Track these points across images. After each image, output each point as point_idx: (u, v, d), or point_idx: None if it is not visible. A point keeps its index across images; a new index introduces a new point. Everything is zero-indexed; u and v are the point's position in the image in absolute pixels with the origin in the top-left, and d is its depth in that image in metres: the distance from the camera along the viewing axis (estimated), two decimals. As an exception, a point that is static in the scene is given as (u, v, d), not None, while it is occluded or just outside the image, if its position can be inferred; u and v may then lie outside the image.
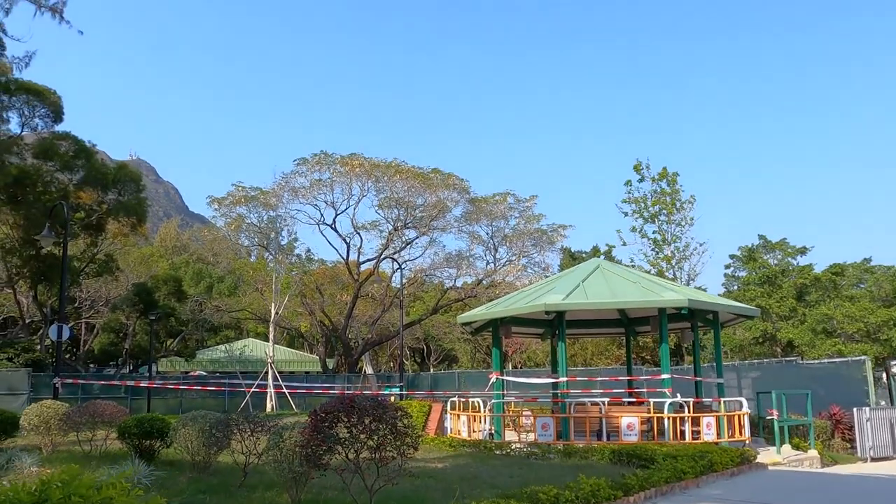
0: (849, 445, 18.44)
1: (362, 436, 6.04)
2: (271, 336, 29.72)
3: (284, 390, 25.13)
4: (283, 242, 36.12)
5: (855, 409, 17.32)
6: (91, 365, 41.44)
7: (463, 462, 11.93)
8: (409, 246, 36.91)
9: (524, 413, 17.32)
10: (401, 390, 29.07)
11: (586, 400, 15.32)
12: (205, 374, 40.23)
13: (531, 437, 15.01)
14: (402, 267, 36.74)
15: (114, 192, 28.10)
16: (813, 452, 15.06)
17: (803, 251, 40.82)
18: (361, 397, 6.34)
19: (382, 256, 35.06)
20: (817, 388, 20.35)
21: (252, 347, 41.50)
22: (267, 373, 26.19)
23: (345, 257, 35.64)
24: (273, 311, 28.78)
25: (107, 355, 40.58)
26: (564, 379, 14.76)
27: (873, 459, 16.95)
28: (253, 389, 25.56)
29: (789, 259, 41.14)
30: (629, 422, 14.02)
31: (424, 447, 14.21)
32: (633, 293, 14.66)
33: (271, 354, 27.05)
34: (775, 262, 41.22)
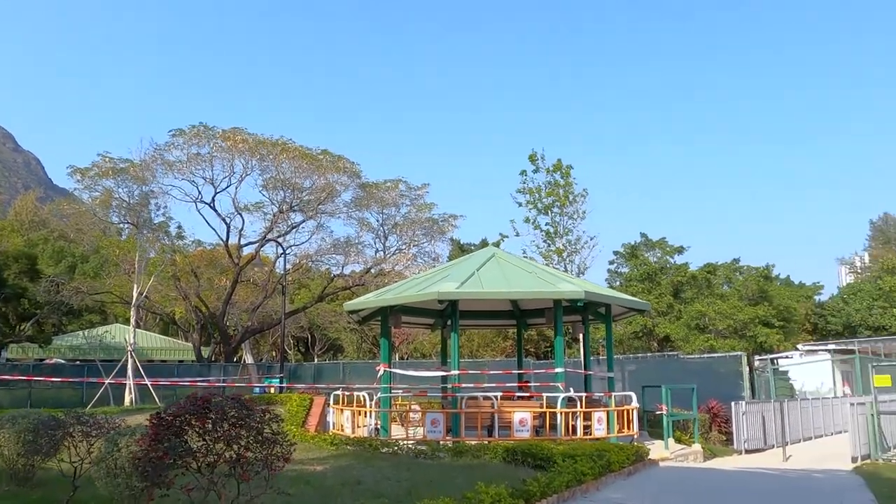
0: (725, 438, 18.95)
1: (219, 445, 4.81)
2: (132, 321, 27.04)
3: (147, 381, 22.81)
4: (155, 220, 33.20)
5: (733, 404, 17.75)
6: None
7: (345, 463, 10.81)
8: (294, 230, 35.05)
9: (413, 407, 16.42)
10: (281, 382, 27.40)
11: (478, 394, 14.61)
12: (63, 362, 36.39)
13: (420, 432, 14.12)
14: (287, 252, 34.89)
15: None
16: (697, 447, 15.16)
17: (680, 250, 42.71)
18: (220, 397, 5.09)
19: (266, 240, 32.99)
20: (696, 382, 20.88)
21: (115, 333, 38.03)
22: (127, 362, 23.69)
23: (224, 239, 33.26)
24: (135, 293, 26.15)
25: (-58, 341, 35.87)
26: (456, 372, 13.97)
27: (747, 451, 17.44)
28: (108, 381, 23.04)
29: (668, 257, 42.94)
30: (521, 417, 13.43)
31: (303, 446, 12.95)
32: (530, 283, 14.08)
33: (131, 341, 24.52)
34: (655, 259, 42.90)
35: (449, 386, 14.38)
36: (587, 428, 14.15)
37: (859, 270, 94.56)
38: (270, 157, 30.94)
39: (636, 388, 20.24)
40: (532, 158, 23.77)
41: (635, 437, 14.76)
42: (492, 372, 18.87)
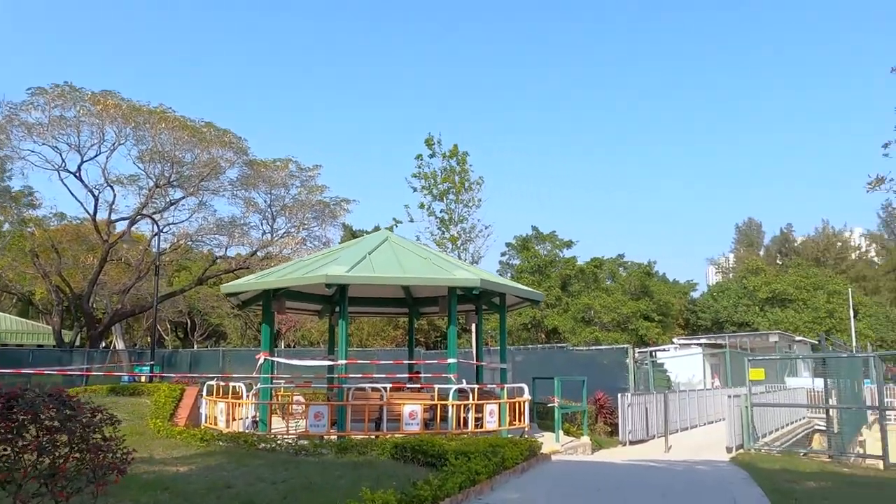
0: (610, 429, 19.17)
1: (26, 455, 3.71)
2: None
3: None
4: (10, 189, 29.77)
5: (619, 396, 17.92)
6: None
7: (215, 462, 9.65)
8: (173, 207, 32.57)
9: (296, 399, 15.32)
10: (152, 370, 25.30)
11: (366, 385, 13.77)
12: None
13: (303, 426, 13.11)
14: (164, 230, 32.43)
15: None
16: (585, 439, 15.09)
17: (569, 244, 43.70)
18: (35, 392, 3.96)
19: (140, 215, 30.40)
20: (583, 374, 21.10)
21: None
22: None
23: (92, 213, 30.31)
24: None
25: None
26: (343, 361, 13.05)
27: (631, 443, 17.68)
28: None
29: (557, 251, 43.81)
30: (411, 410, 12.73)
31: (168, 443, 11.63)
32: (425, 270, 13.38)
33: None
34: (545, 252, 43.65)
35: (335, 376, 13.43)
36: (479, 421, 13.68)
37: (726, 270, 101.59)
38: (147, 125, 28.45)
39: (524, 380, 20.14)
40: (428, 143, 23.11)
41: (526, 429, 14.48)
42: (381, 362, 18.08)
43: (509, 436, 14.69)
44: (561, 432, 15.45)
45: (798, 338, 50.60)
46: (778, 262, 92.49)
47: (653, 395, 19.86)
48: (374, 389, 13.38)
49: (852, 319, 56.03)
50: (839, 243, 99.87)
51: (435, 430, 13.13)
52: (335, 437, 12.33)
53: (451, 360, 13.39)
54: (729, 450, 16.57)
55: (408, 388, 15.61)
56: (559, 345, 26.73)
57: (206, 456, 10.24)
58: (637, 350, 32.90)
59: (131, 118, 27.87)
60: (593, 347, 24.24)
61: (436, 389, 13.30)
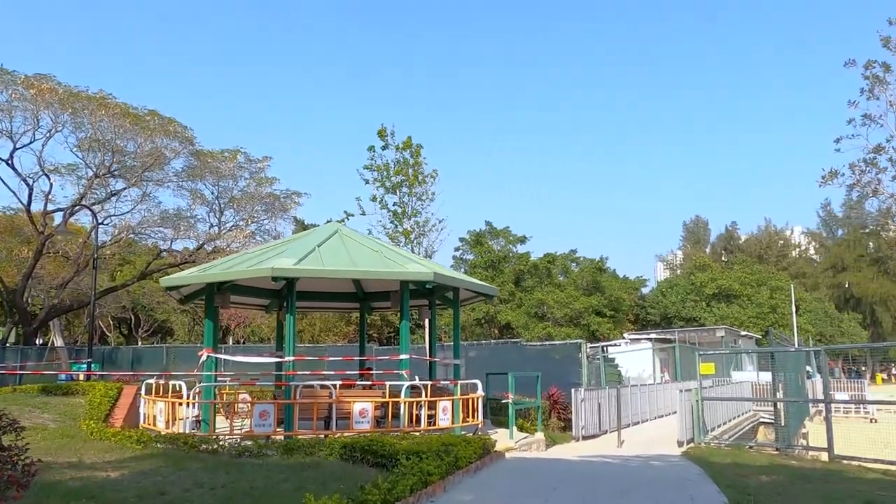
0: (563, 425, 19.09)
1: None
2: None
3: None
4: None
5: (573, 391, 17.84)
6: None
7: (150, 467, 9.06)
8: (115, 198, 31.23)
9: (241, 397, 14.70)
10: (89, 368, 24.14)
11: (315, 383, 13.28)
12: None
13: (248, 425, 12.55)
14: (105, 222, 31.10)
15: None
16: (540, 435, 14.92)
17: (523, 240, 43.74)
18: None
19: (78, 206, 29.03)
20: (536, 369, 20.99)
21: None
22: None
23: (26, 203, 28.81)
24: None
25: None
26: (291, 358, 12.53)
27: (584, 438, 17.62)
28: None
29: (511, 246, 43.82)
30: (362, 408, 12.31)
31: (102, 445, 10.94)
32: (376, 263, 12.95)
33: None
34: (499, 248, 43.60)
35: (283, 374, 12.89)
36: (431, 418, 13.35)
37: (673, 267, 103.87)
38: (86, 112, 27.13)
39: (478, 375, 19.93)
40: (381, 134, 22.60)
41: (480, 426, 14.22)
42: (331, 358, 17.56)
43: (463, 433, 14.44)
44: (515, 428, 15.24)
45: (743, 332, 51.97)
46: (723, 259, 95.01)
47: (605, 390, 19.88)
48: (322, 387, 12.91)
49: (794, 315, 57.79)
50: (781, 241, 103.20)
51: (387, 428, 12.76)
52: (282, 436, 11.83)
53: (403, 356, 13.02)
54: (680, 444, 16.65)
55: (359, 386, 15.18)
56: (512, 340, 26.60)
57: (142, 460, 9.62)
58: (589, 345, 33.17)
59: (68, 104, 26.54)
60: (546, 343, 24.17)
61: (387, 386, 12.90)
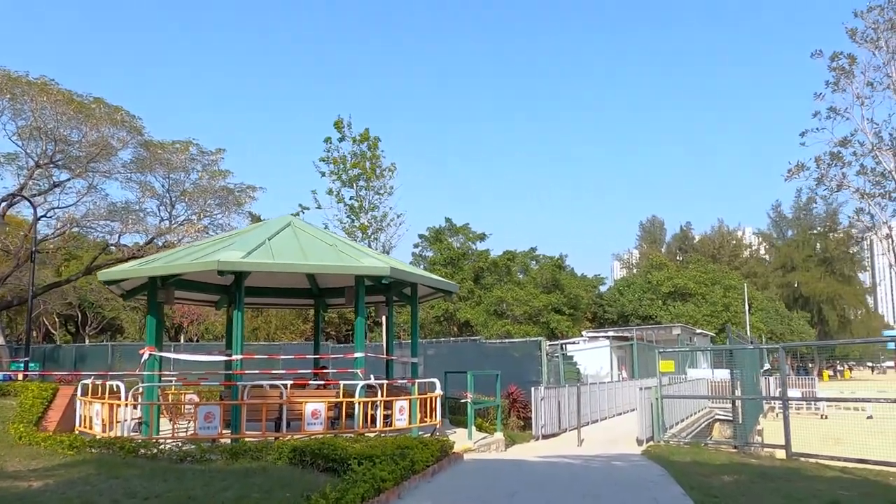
0: (523, 424, 18.80)
1: None
2: None
3: None
4: None
5: (532, 389, 17.54)
6: None
7: (81, 474, 8.36)
8: (58, 189, 29.82)
9: (188, 398, 13.95)
10: (26, 367, 22.91)
11: (264, 382, 12.64)
12: None
13: (194, 427, 11.86)
14: (46, 214, 29.68)
15: None
16: (499, 435, 14.56)
17: (483, 237, 43.47)
18: None
19: (17, 196, 27.60)
20: (495, 367, 20.68)
21: None
22: None
23: (-39, 194, 27.27)
24: None
25: None
26: (239, 357, 11.87)
27: (544, 437, 17.35)
28: None
29: (470, 243, 43.49)
30: (314, 408, 11.73)
31: (30, 451, 10.14)
32: (330, 257, 12.38)
33: None
34: (458, 245, 43.24)
35: (231, 373, 12.22)
36: (388, 418, 12.85)
37: (630, 266, 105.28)
38: (27, 98, 25.77)
39: (436, 374, 19.52)
40: (338, 125, 21.89)
41: (438, 426, 13.78)
42: (283, 357, 16.88)
43: (421, 433, 13.98)
44: (474, 428, 14.85)
45: (698, 330, 52.76)
46: (678, 258, 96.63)
47: (565, 388, 19.67)
48: (272, 386, 12.28)
49: (747, 313, 58.93)
50: (733, 241, 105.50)
51: (341, 429, 12.22)
52: (229, 440, 11.19)
53: (358, 355, 12.48)
54: (640, 442, 16.50)
55: (312, 385, 14.58)
56: (471, 338, 26.25)
57: (72, 467, 8.90)
58: (548, 343, 33.05)
59: (7, 89, 25.16)
60: (506, 340, 23.86)
61: (341, 386, 12.34)
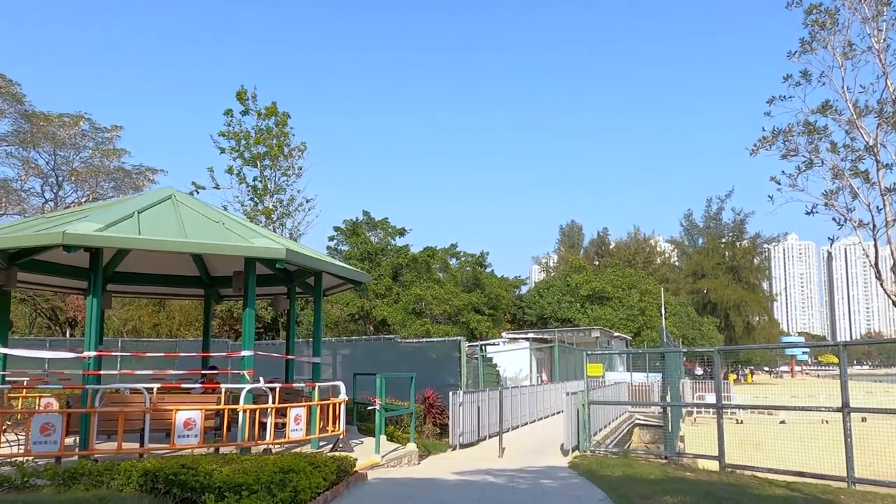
0: (439, 431, 17.14)
1: None
2: None
3: None
4: None
5: (450, 394, 15.90)
6: None
7: None
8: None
9: (44, 402, 11.43)
10: None
11: (123, 385, 10.37)
12: None
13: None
14: None
15: None
16: (412, 446, 12.79)
17: (402, 232, 41.63)
18: None
19: None
20: (412, 368, 18.98)
21: None
22: None
23: None
24: None
25: None
26: (92, 353, 9.58)
27: (462, 446, 15.75)
28: None
29: (389, 238, 41.55)
30: (188, 417, 9.60)
31: None
32: (214, 235, 10.28)
33: None
34: (377, 239, 41.21)
35: (80, 373, 9.89)
36: (281, 428, 10.88)
37: (549, 269, 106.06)
38: None
39: (349, 375, 17.66)
40: (241, 96, 19.46)
41: (342, 436, 11.89)
42: (148, 354, 14.51)
43: (323, 445, 12.06)
44: (384, 438, 13.05)
45: (616, 334, 52.82)
46: (595, 262, 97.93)
47: (485, 392, 18.15)
48: (133, 391, 10.06)
49: (664, 317, 59.66)
50: (647, 248, 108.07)
51: (222, 442, 10.15)
52: (76, 456, 8.92)
53: (245, 353, 10.42)
54: (565, 452, 15.15)
55: (198, 389, 12.35)
56: (386, 337, 24.40)
57: None
58: (468, 344, 31.63)
59: None
60: (423, 340, 22.14)
61: (223, 390, 10.25)
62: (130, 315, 49.38)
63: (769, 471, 12.79)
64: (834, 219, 7.75)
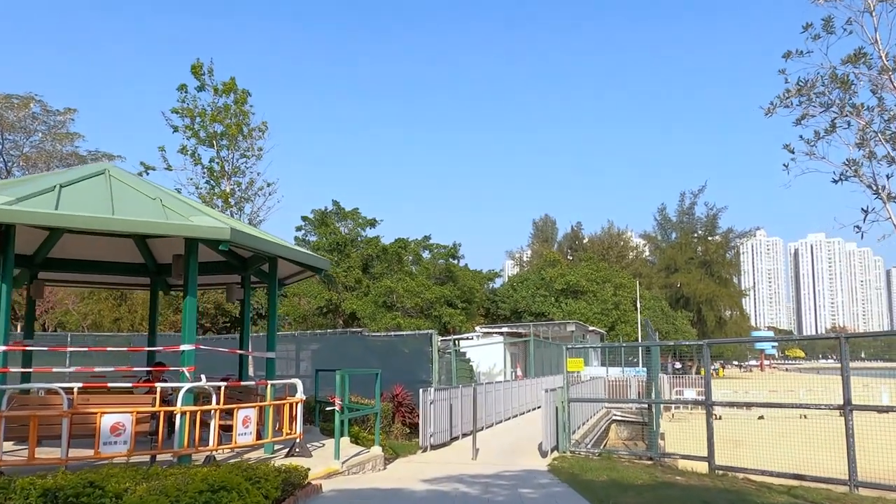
0: (409, 430, 16.00)
1: None
2: None
3: None
4: None
5: (421, 392, 14.74)
6: None
7: None
8: None
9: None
10: None
11: (37, 385, 9.03)
12: None
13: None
14: None
15: None
16: (377, 450, 11.60)
17: (373, 223, 40.29)
18: None
19: None
20: (381, 363, 17.83)
21: None
22: None
23: None
24: None
25: None
26: (2, 348, 8.24)
27: (433, 447, 14.62)
28: None
29: (360, 229, 40.20)
30: (116, 421, 8.32)
31: None
32: (149, 212, 8.97)
33: None
34: (346, 230, 39.83)
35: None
36: (227, 431, 9.63)
37: (523, 263, 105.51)
38: None
39: (315, 371, 16.46)
40: (195, 71, 17.98)
41: (299, 440, 10.67)
42: (72, 349, 13.09)
43: (278, 448, 10.84)
44: (347, 440, 11.87)
45: (591, 328, 52.18)
46: (569, 256, 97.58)
47: (458, 388, 17.03)
48: (49, 391, 8.74)
49: (639, 311, 59.22)
50: (621, 242, 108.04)
51: (157, 449, 8.88)
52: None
53: (185, 347, 9.14)
54: (544, 453, 14.10)
55: (141, 390, 11.03)
56: (353, 330, 23.16)
57: None
58: (440, 338, 30.50)
59: None
60: (392, 334, 20.95)
61: (158, 390, 8.97)
62: (90, 309, 47.28)
63: (763, 473, 11.91)
64: (870, 186, 6.72)
